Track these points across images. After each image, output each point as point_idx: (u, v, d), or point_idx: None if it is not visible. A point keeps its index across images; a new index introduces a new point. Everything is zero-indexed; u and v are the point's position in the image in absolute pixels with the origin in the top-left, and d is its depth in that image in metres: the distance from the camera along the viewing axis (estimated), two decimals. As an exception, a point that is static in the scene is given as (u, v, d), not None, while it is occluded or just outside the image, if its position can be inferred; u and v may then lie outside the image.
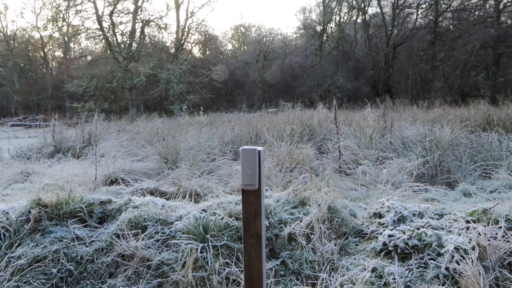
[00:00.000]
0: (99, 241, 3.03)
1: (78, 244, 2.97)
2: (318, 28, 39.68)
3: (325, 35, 39.89)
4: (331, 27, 41.42)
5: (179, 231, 3.05)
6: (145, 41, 34.84)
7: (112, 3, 31.74)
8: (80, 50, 41.96)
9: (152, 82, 30.12)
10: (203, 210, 3.28)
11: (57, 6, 33.50)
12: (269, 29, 49.86)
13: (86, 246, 2.98)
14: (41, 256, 2.80)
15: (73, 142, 10.49)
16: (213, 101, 38.12)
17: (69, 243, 2.96)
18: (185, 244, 2.82)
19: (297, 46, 47.21)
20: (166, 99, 30.10)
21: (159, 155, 7.57)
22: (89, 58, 36.90)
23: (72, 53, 44.57)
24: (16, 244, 2.89)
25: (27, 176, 7.06)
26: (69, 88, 29.15)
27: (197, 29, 36.44)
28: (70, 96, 34.01)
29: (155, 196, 4.32)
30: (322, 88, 35.46)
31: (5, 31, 41.18)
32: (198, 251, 2.77)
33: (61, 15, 35.11)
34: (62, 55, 45.52)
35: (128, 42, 33.03)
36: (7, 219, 3.07)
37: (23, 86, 40.92)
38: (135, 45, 32.93)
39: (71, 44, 43.52)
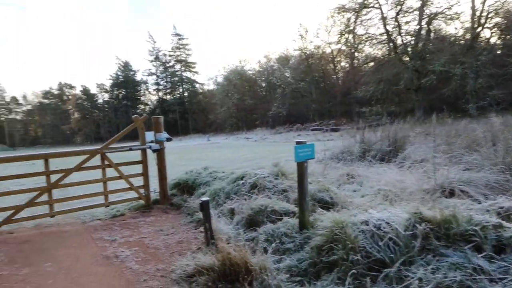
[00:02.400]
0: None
1: (484, 277, 2.42)
2: None
3: None
4: None
5: None
6: (431, 37, 32.38)
7: (397, 3, 31.46)
8: (364, 57, 44.26)
9: (442, 80, 27.45)
10: None
11: (347, 20, 36.81)
12: None
13: (495, 282, 2.38)
14: (443, 285, 2.43)
15: (379, 146, 10.59)
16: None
17: (471, 274, 2.45)
18: None
19: None
20: (459, 98, 26.63)
21: (495, 164, 6.22)
22: (371, 64, 38.37)
23: (356, 62, 47.63)
24: (408, 262, 2.68)
25: (352, 178, 7.52)
26: (357, 94, 31.17)
27: (498, 11, 30.21)
28: (357, 102, 36.41)
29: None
30: None
31: (306, 51, 49.56)
32: None
33: (349, 28, 38.26)
34: (347, 65, 49.86)
35: (413, 41, 31.75)
36: (392, 229, 2.95)
37: (318, 96, 47.78)
38: (422, 43, 31.13)
39: (356, 53, 46.56)
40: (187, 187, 7.13)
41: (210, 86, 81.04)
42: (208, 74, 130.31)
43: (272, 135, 40.68)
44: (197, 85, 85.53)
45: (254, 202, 4.71)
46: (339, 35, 40.29)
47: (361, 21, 36.20)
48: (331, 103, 46.60)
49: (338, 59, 50.30)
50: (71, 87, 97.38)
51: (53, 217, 6.18)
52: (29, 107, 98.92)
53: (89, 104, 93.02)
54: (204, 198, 4.28)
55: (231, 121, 64.44)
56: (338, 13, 37.75)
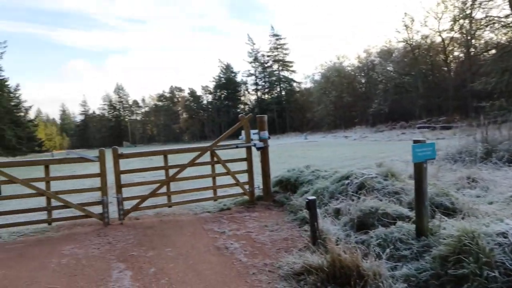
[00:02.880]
0: None
1: None
2: None
3: None
4: None
5: None
6: None
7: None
8: (483, 45, 38.78)
9: None
10: None
11: (462, 4, 32.77)
12: None
13: None
14: None
15: (507, 146, 9.13)
16: None
17: None
18: None
19: None
20: None
21: None
22: (492, 52, 33.43)
23: (473, 50, 42.07)
24: None
25: (473, 182, 6.64)
26: (475, 87, 27.52)
27: None
28: (474, 95, 32.17)
29: None
30: None
31: (411, 42, 45.70)
32: None
33: (465, 13, 34.00)
34: (462, 54, 44.37)
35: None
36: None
37: (425, 90, 43.65)
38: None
39: (472, 41, 41.13)
40: (289, 185, 7.18)
41: (307, 84, 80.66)
42: (305, 73, 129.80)
43: (372, 133, 38.58)
44: (294, 84, 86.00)
45: (363, 204, 4.48)
46: (452, 22, 36.17)
47: (480, 3, 31.84)
48: (441, 98, 42.14)
49: (450, 48, 45.10)
50: (181, 90, 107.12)
51: (170, 207, 6.85)
52: (146, 109, 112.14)
53: (195, 105, 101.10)
54: (311, 197, 4.23)
55: (329, 119, 63.17)
56: (451, -3, 33.87)
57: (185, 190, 7.16)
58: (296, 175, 7.33)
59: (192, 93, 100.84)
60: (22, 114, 67.66)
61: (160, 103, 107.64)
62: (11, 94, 64.97)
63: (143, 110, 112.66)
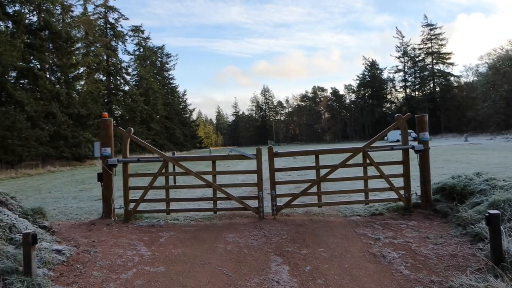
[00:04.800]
0: None
1: None
2: None
3: None
4: None
5: None
6: None
7: None
8: None
9: None
10: None
11: None
12: None
13: None
14: None
15: None
16: None
17: None
18: None
19: None
20: None
21: None
22: None
23: None
24: None
25: None
26: None
27: None
28: None
29: None
30: None
31: None
32: None
33: None
34: None
35: None
36: None
37: None
38: None
39: None
40: (454, 194, 6.28)
41: (468, 78, 69.86)
42: (466, 64, 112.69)
43: None
44: (452, 78, 75.81)
45: None
46: None
47: None
48: None
49: None
50: (323, 89, 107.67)
51: (320, 207, 6.90)
52: (290, 109, 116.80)
53: (338, 104, 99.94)
54: (493, 211, 3.58)
55: (498, 118, 53.22)
56: None
57: (336, 191, 7.10)
58: (463, 183, 6.37)
59: (335, 92, 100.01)
60: (187, 115, 79.76)
61: (302, 104, 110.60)
62: (179, 99, 77.38)
63: (286, 110, 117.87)
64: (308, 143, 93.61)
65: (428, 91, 77.97)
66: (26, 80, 28.80)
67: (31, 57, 28.39)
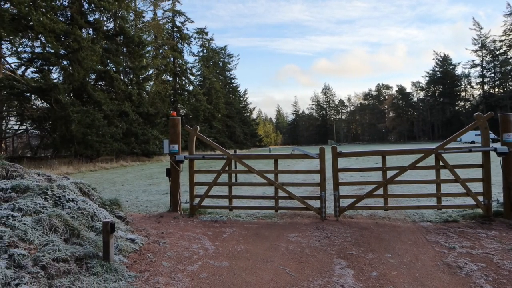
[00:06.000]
0: None
1: None
2: None
3: None
4: None
5: None
6: None
7: None
8: None
9: None
10: None
11: None
12: None
13: None
14: None
15: None
16: None
17: None
18: None
19: None
20: None
21: None
22: None
23: None
24: None
25: None
26: None
27: None
28: None
29: None
30: None
31: None
32: None
33: None
34: None
35: None
36: None
37: None
38: None
39: None
40: (545, 203, 5.58)
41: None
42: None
43: None
44: (540, 73, 67.59)
45: None
46: None
47: None
48: None
49: None
50: (388, 87, 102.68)
51: (386, 211, 6.56)
52: (352, 108, 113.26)
53: (404, 103, 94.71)
54: None
55: None
56: None
57: (404, 194, 6.71)
58: (556, 190, 5.63)
59: (401, 90, 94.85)
60: (247, 114, 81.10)
61: (365, 102, 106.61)
62: (240, 98, 79.00)
63: (348, 109, 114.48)
64: (371, 143, 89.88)
65: (510, 88, 70.41)
66: (103, 82, 31.47)
67: (108, 61, 30.92)
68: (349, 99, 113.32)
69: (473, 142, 38.08)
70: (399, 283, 3.64)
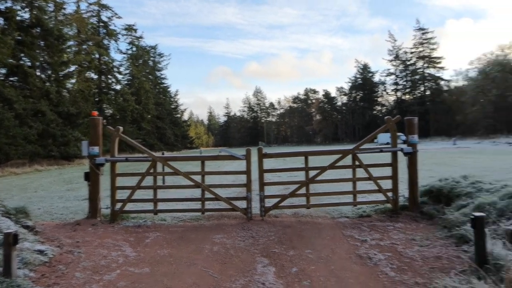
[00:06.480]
0: None
1: None
2: None
3: None
4: None
5: None
6: None
7: None
8: None
9: None
10: None
11: None
12: None
13: None
14: None
15: None
16: None
17: None
18: None
19: None
20: None
21: None
22: None
23: None
24: None
25: None
26: None
27: None
28: None
29: None
30: None
31: None
32: None
33: None
34: None
35: None
36: None
37: None
38: None
39: None
40: (441, 196, 6.34)
41: (458, 82, 70.75)
42: (456, 69, 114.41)
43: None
44: (442, 82, 76.77)
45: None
46: None
47: None
48: None
49: None
50: (315, 92, 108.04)
51: (308, 209, 6.89)
52: (281, 110, 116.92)
53: (329, 106, 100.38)
54: (478, 213, 3.63)
55: (486, 123, 54.08)
56: None
57: (324, 192, 7.10)
58: (450, 185, 6.43)
59: (327, 94, 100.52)
60: (179, 115, 79.29)
61: (294, 105, 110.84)
62: (171, 99, 76.93)
63: (278, 112, 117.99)
64: (299, 145, 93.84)
65: (419, 95, 78.80)
66: (15, 78, 28.34)
67: (22, 54, 27.93)
68: (279, 102, 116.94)
69: (388, 143, 41.57)
70: (316, 277, 3.84)
